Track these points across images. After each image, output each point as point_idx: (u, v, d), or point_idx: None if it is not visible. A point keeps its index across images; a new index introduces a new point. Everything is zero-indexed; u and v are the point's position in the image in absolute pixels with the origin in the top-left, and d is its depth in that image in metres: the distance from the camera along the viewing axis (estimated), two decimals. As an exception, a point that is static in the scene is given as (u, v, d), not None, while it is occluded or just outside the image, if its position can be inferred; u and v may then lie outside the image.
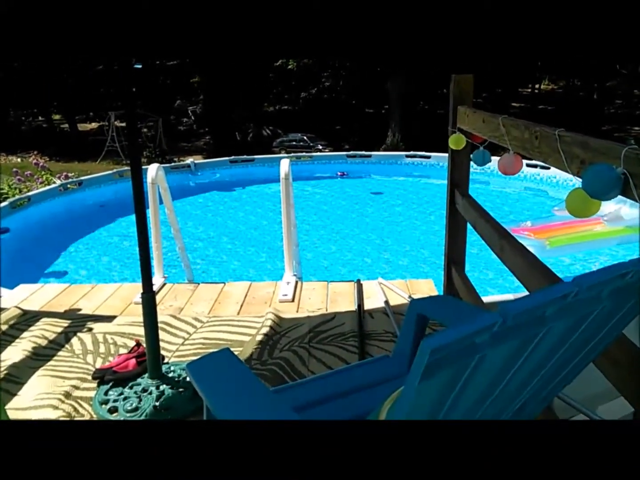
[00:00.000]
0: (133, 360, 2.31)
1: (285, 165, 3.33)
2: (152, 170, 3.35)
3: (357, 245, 6.56)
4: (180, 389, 2.16)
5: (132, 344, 2.64)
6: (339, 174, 10.40)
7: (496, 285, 5.06)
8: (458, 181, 2.75)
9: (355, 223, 7.46)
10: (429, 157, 10.18)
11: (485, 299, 3.13)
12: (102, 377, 2.26)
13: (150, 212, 3.43)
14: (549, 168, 8.68)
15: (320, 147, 14.92)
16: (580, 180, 1.19)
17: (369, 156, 10.80)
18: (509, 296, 3.29)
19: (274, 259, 6.01)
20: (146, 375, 2.23)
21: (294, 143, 14.82)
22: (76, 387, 2.25)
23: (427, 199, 8.75)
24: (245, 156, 11.29)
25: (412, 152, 10.44)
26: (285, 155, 11.65)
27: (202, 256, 6.15)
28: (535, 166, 9.03)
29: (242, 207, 8.53)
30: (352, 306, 3.05)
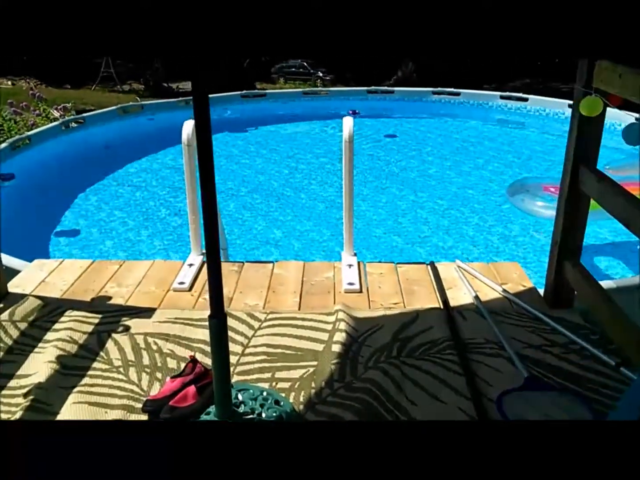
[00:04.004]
0: (192, 388, 1.85)
1: (348, 124, 2.75)
2: (188, 128, 2.77)
3: (389, 199, 5.98)
4: (258, 432, 1.71)
5: (180, 351, 2.19)
6: (350, 112, 9.64)
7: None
8: (586, 156, 2.20)
9: (384, 174, 6.82)
10: (458, 94, 9.41)
11: (605, 284, 2.69)
12: (155, 411, 1.80)
13: (185, 179, 2.89)
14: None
15: (321, 75, 13.90)
16: None
17: (392, 92, 10.00)
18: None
19: (300, 218, 5.47)
20: (212, 409, 1.78)
21: (294, 69, 13.76)
22: (123, 423, 1.81)
23: (458, 144, 8.11)
24: (256, 91, 10.49)
25: (439, 89, 9.63)
26: (300, 90, 10.80)
27: (222, 211, 5.60)
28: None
29: (259, 152, 7.86)
30: (433, 298, 2.57)
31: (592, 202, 5.11)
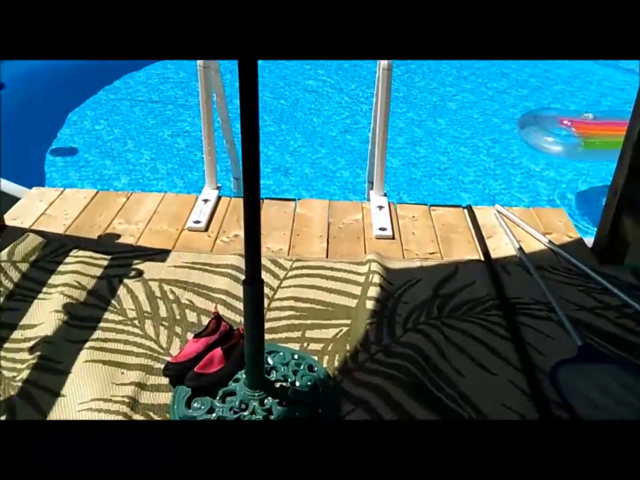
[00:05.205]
0: (218, 352, 1.66)
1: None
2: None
3: (406, 125, 5.61)
4: (293, 406, 1.55)
5: (200, 302, 2.00)
6: None
7: None
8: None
9: (400, 98, 6.38)
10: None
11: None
12: (178, 376, 1.63)
13: (200, 104, 2.58)
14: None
15: None
16: None
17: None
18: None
19: (313, 144, 5.13)
20: (240, 375, 1.61)
21: None
22: (142, 387, 1.64)
23: (479, 63, 7.57)
24: None
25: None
26: None
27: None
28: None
29: (261, 74, 7.32)
30: (472, 248, 2.36)
31: (589, 142, 4.66)
